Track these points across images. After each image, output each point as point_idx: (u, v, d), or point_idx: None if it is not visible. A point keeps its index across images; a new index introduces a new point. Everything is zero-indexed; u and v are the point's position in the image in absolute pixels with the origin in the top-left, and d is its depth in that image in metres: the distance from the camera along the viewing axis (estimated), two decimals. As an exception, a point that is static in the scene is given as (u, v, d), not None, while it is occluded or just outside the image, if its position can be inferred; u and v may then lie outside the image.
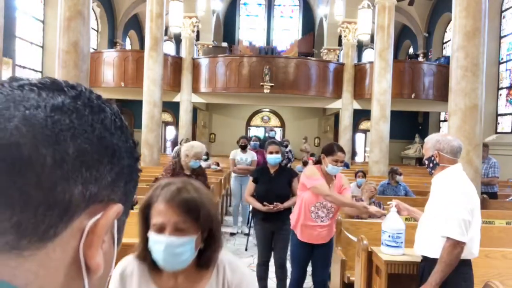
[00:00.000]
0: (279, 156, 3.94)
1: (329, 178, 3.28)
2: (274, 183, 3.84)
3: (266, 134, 8.30)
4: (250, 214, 6.12)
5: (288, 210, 3.76)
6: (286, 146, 8.39)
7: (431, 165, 2.45)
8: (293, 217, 3.42)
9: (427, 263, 2.39)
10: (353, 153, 16.78)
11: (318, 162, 3.45)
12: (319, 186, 3.18)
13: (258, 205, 3.81)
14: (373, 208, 3.14)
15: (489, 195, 5.95)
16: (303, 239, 3.33)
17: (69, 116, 0.36)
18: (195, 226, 1.12)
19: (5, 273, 0.34)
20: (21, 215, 0.33)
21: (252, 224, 5.89)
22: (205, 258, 1.17)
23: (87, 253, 0.37)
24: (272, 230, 3.84)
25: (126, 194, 0.42)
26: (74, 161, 0.35)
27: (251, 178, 4.07)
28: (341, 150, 3.27)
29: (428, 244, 2.40)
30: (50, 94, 0.37)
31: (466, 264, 2.33)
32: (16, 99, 0.36)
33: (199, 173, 4.15)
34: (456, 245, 2.21)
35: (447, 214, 2.26)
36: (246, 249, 5.67)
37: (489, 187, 6.23)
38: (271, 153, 3.93)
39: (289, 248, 3.71)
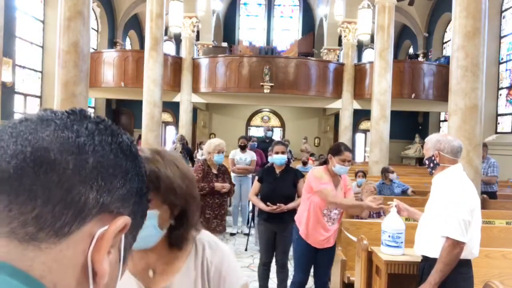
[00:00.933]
0: (285, 156, 3.89)
1: (336, 178, 3.28)
2: (279, 184, 3.79)
3: (264, 134, 8.22)
4: (251, 214, 6.10)
5: (293, 212, 3.68)
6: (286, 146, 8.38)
7: (431, 165, 2.45)
8: (301, 221, 3.36)
9: (427, 263, 2.39)
10: (353, 153, 16.78)
11: (324, 162, 3.42)
12: (325, 191, 3.17)
13: (262, 205, 3.79)
14: (375, 204, 3.08)
15: (488, 195, 5.96)
16: (314, 244, 3.30)
17: (91, 134, 0.42)
18: (157, 200, 1.02)
19: (23, 264, 0.37)
20: (42, 209, 0.38)
21: (253, 225, 5.87)
22: (176, 237, 1.07)
23: (95, 257, 0.41)
24: (275, 230, 3.80)
25: (134, 213, 0.45)
26: (92, 170, 0.40)
27: (256, 178, 4.01)
28: (348, 149, 3.26)
29: (428, 244, 2.40)
30: (77, 118, 0.43)
31: (466, 264, 2.33)
32: (48, 118, 0.42)
33: (225, 172, 4.15)
34: (455, 245, 2.21)
35: (447, 214, 2.26)
36: (246, 249, 5.67)
37: (489, 186, 6.24)
38: (277, 153, 3.86)
39: (291, 250, 3.67)
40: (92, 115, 0.45)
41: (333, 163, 3.24)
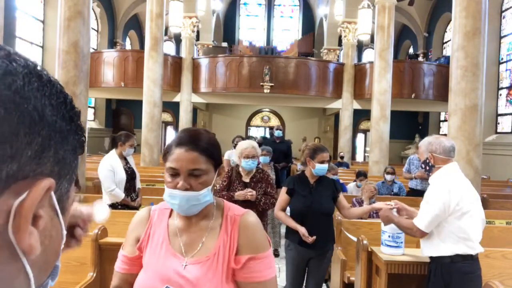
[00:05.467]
0: (327, 165, 3.13)
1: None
2: (316, 198, 3.02)
3: (273, 134, 7.57)
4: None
5: (332, 231, 3.15)
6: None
7: (427, 167, 2.49)
8: None
9: (433, 264, 2.39)
10: (353, 153, 16.79)
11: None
12: None
13: (294, 225, 2.96)
14: None
15: (419, 192, 5.50)
16: None
17: None
18: None
19: None
20: None
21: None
22: None
23: (16, 236, 0.34)
24: (309, 257, 3.05)
25: (59, 162, 0.37)
26: None
27: (283, 188, 3.16)
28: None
29: (427, 243, 2.41)
30: None
31: (470, 262, 2.31)
32: None
33: (261, 180, 3.43)
34: (416, 231, 2.41)
35: (425, 206, 2.39)
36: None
37: (425, 182, 5.71)
38: (322, 162, 3.03)
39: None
40: None
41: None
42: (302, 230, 2.89)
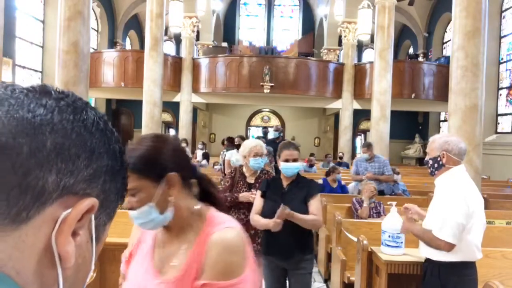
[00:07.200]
0: (298, 165, 2.80)
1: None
2: (286, 202, 2.63)
3: (273, 136, 7.52)
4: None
5: (307, 238, 2.76)
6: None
7: (435, 165, 2.42)
8: None
9: (430, 265, 2.38)
10: (353, 153, 16.78)
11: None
12: None
13: (265, 223, 2.64)
14: None
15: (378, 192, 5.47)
16: None
17: (50, 113, 0.39)
18: None
19: None
20: None
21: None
22: None
23: (58, 241, 0.39)
24: (283, 266, 2.77)
25: (105, 192, 0.44)
26: (50, 152, 0.38)
27: (258, 191, 2.89)
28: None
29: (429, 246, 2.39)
30: (36, 95, 0.41)
31: (469, 267, 2.31)
32: (3, 97, 0.39)
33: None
34: (445, 245, 2.24)
35: (445, 216, 2.26)
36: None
37: (383, 184, 5.69)
38: (286, 160, 2.73)
39: None
40: (55, 89, 0.43)
41: None
42: (269, 223, 2.58)
